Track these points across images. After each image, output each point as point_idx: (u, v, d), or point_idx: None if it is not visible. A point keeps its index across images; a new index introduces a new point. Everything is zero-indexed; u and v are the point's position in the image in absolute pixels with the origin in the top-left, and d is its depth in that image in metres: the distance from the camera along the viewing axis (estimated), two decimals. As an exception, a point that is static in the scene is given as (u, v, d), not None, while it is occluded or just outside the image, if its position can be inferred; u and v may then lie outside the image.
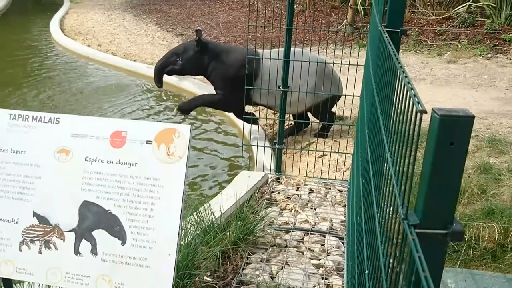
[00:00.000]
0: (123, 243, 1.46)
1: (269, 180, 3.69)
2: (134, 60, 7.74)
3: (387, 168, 1.34)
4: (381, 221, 1.41)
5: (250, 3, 11.49)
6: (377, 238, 1.40)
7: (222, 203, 3.03)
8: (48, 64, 7.76)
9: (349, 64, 3.42)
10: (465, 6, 7.94)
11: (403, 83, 1.19)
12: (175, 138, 1.46)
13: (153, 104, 6.18)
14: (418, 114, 0.96)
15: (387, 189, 1.32)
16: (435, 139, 0.91)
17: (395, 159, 1.21)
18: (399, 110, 1.25)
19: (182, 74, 4.89)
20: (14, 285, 1.59)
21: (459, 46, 7.32)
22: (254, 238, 2.91)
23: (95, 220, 1.48)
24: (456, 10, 8.04)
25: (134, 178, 1.47)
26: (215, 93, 4.62)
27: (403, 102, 1.20)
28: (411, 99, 1.05)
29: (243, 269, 2.67)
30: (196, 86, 6.41)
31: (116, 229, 1.46)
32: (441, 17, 8.17)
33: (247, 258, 2.76)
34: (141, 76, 7.13)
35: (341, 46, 7.61)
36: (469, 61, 6.88)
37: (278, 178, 3.72)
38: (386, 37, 1.71)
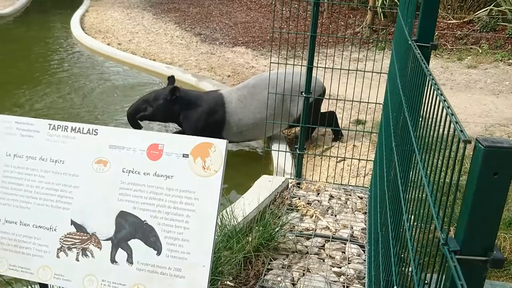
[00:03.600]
0: (159, 253, 1.49)
1: (290, 185, 3.71)
2: (153, 60, 7.81)
3: (421, 187, 1.36)
4: (413, 238, 1.43)
5: (269, 3, 11.50)
6: (410, 255, 1.41)
7: (245, 208, 3.06)
8: (68, 62, 7.87)
9: (372, 72, 3.42)
10: (486, 10, 7.86)
11: (441, 106, 1.21)
12: (211, 152, 1.49)
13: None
14: (462, 143, 0.97)
15: (421, 207, 1.33)
16: (478, 169, 0.93)
17: (431, 181, 1.22)
18: (435, 132, 1.26)
19: (154, 121, 4.94)
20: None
21: (480, 51, 7.26)
22: (276, 244, 2.94)
23: (131, 230, 1.52)
24: (477, 14, 7.97)
25: (170, 190, 1.51)
26: None
27: (439, 120, 1.21)
28: (453, 125, 1.06)
29: (265, 275, 2.70)
30: (216, 87, 6.45)
31: (151, 239, 1.50)
32: (461, 21, 8.10)
33: (269, 264, 2.79)
34: (160, 75, 7.20)
35: (360, 48, 7.59)
36: (489, 67, 6.82)
37: (299, 183, 3.74)
38: (419, 53, 1.72)
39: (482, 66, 6.87)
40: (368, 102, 3.62)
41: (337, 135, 4.74)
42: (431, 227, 1.19)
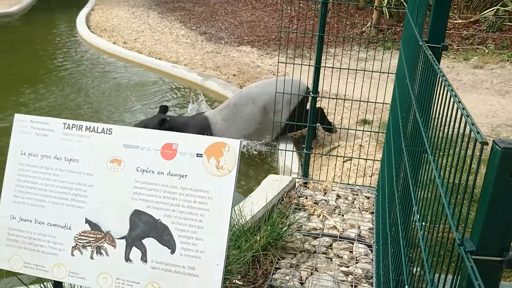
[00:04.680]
0: (173, 252, 1.51)
1: (297, 184, 3.72)
2: (159, 59, 7.83)
3: (435, 187, 1.37)
4: (425, 238, 1.44)
5: (275, 2, 11.51)
6: (422, 255, 1.42)
7: (253, 207, 3.07)
8: (74, 61, 7.90)
9: (380, 72, 3.43)
10: (492, 10, 7.85)
11: (456, 107, 1.22)
12: (225, 152, 1.50)
13: (180, 103, 6.25)
14: (478, 144, 0.98)
15: (433, 208, 1.34)
16: (495, 170, 0.94)
17: (445, 182, 1.23)
18: (449, 133, 1.27)
19: None
20: None
21: (486, 51, 7.25)
22: (283, 243, 2.95)
23: (145, 228, 1.54)
24: (483, 14, 7.95)
25: (184, 189, 1.52)
26: None
27: (452, 121, 1.22)
28: (468, 127, 1.07)
29: (273, 274, 2.71)
30: (221, 86, 6.47)
31: (165, 238, 1.52)
32: (467, 21, 8.09)
33: (277, 263, 2.81)
34: (166, 74, 7.22)
35: (365, 48, 7.59)
36: (496, 67, 6.81)
37: (306, 183, 3.75)
38: (430, 54, 1.73)
39: (488, 66, 6.85)
40: (375, 102, 3.62)
41: (330, 132, 4.82)
42: (445, 227, 1.20)
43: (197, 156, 1.52)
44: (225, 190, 1.49)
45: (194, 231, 1.50)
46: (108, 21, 10.22)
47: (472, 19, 8.06)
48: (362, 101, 3.71)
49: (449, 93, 1.31)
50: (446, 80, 1.40)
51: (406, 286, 1.61)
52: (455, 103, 1.23)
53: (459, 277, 1.04)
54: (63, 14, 11.09)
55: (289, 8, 9.98)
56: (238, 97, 4.71)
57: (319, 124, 4.73)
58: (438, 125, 1.41)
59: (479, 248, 0.99)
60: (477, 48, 7.43)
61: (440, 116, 1.39)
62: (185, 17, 10.57)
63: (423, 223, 1.49)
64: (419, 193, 1.65)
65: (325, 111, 4.90)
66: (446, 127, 1.29)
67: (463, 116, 1.13)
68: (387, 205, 2.54)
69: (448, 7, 1.98)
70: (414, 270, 1.58)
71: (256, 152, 4.81)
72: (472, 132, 1.04)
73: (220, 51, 8.24)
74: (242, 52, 8.19)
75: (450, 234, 1.17)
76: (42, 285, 2.09)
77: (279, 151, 4.43)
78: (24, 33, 9.59)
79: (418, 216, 1.57)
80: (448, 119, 1.28)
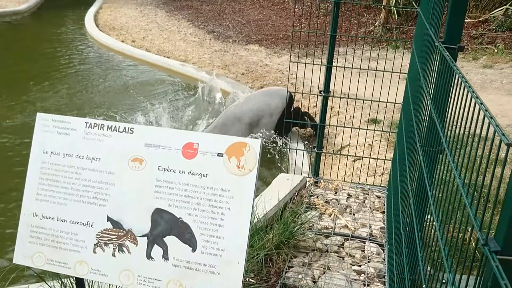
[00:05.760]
0: (194, 250, 1.53)
1: (307, 183, 3.74)
2: (167, 57, 7.86)
3: (454, 188, 1.38)
4: (444, 239, 1.45)
5: (282, 1, 11.50)
6: (442, 254, 1.43)
7: (265, 205, 3.09)
8: (83, 59, 7.94)
9: (392, 72, 3.43)
10: (502, 9, 7.82)
11: (478, 109, 1.23)
12: (246, 152, 1.52)
13: (191, 102, 6.27)
14: (504, 146, 1.00)
15: (453, 206, 1.36)
16: (522, 171, 0.95)
17: (467, 182, 1.25)
18: (469, 134, 1.28)
19: None
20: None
21: (495, 51, 7.23)
22: (296, 241, 2.97)
23: (167, 227, 1.56)
24: (492, 14, 7.92)
25: (205, 188, 1.54)
26: None
27: (474, 122, 1.23)
28: (492, 128, 1.08)
29: (286, 272, 2.73)
30: (230, 85, 6.49)
31: (187, 236, 1.54)
32: (476, 20, 8.06)
33: (289, 261, 2.83)
34: (175, 73, 7.25)
35: (374, 47, 7.59)
36: (505, 66, 6.79)
37: (316, 182, 3.77)
38: (448, 55, 1.73)
39: (497, 66, 6.84)
40: (387, 102, 3.63)
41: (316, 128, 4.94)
42: (466, 227, 1.21)
43: (218, 155, 1.54)
44: (246, 189, 1.51)
45: (215, 229, 1.52)
46: (116, 19, 10.26)
47: (481, 19, 8.04)
48: (374, 100, 3.72)
49: (470, 94, 1.32)
50: (466, 82, 1.41)
51: (424, 286, 1.62)
52: (476, 105, 1.24)
53: (483, 277, 1.05)
54: (71, 13, 11.14)
55: (296, 7, 9.98)
56: (225, 117, 4.94)
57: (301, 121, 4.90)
58: (457, 126, 1.42)
59: (503, 248, 1.00)
60: (486, 47, 7.41)
61: (460, 117, 1.40)
62: (193, 16, 10.60)
63: (444, 224, 1.50)
64: (436, 193, 1.66)
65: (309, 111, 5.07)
66: (467, 128, 1.31)
67: (485, 118, 1.15)
68: (400, 205, 2.55)
69: (465, 9, 1.99)
70: (428, 269, 1.60)
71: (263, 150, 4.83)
72: (496, 133, 1.05)
73: (228, 49, 8.25)
74: (250, 51, 8.20)
75: (466, 234, 1.19)
76: (60, 281, 2.12)
77: (290, 150, 4.45)
78: (32, 31, 9.65)
79: (436, 216, 1.59)
80: (469, 120, 1.29)
